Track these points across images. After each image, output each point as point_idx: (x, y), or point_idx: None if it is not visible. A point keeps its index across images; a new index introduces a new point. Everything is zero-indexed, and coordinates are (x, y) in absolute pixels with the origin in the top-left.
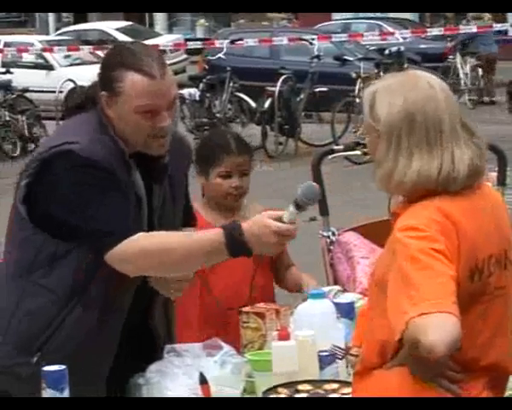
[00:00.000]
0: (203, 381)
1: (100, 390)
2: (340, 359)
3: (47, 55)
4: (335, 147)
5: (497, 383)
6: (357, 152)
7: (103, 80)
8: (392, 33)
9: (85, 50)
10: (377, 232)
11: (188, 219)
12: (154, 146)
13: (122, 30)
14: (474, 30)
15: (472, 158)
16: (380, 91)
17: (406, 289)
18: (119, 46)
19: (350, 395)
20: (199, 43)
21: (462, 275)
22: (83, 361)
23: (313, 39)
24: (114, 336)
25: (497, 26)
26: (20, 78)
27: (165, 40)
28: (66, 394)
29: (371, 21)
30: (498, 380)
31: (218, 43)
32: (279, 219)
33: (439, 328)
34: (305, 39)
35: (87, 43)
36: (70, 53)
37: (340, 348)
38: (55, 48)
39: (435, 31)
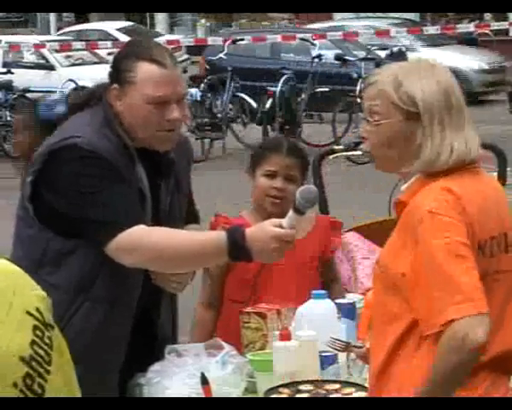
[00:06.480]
0: (205, 382)
1: (112, 387)
2: (340, 351)
3: (48, 55)
4: (336, 147)
5: (500, 381)
6: (358, 152)
7: (115, 73)
8: (388, 31)
9: (78, 45)
10: (378, 232)
11: (191, 217)
12: (162, 140)
13: (123, 30)
14: (472, 29)
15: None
16: (404, 74)
17: (445, 286)
18: (130, 41)
19: (351, 396)
20: (191, 40)
21: None
22: (94, 358)
23: (314, 39)
24: (124, 333)
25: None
26: (21, 78)
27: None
28: None
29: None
30: (502, 377)
31: (210, 41)
32: (280, 225)
33: (483, 327)
34: (305, 39)
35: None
36: (71, 53)
37: (339, 340)
38: (48, 44)
39: (432, 29)
